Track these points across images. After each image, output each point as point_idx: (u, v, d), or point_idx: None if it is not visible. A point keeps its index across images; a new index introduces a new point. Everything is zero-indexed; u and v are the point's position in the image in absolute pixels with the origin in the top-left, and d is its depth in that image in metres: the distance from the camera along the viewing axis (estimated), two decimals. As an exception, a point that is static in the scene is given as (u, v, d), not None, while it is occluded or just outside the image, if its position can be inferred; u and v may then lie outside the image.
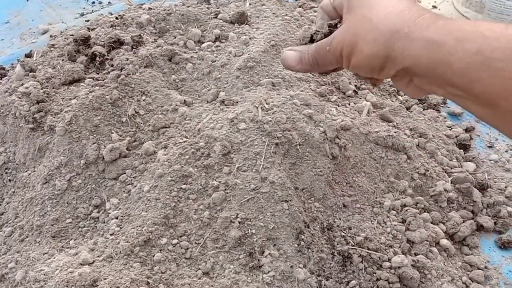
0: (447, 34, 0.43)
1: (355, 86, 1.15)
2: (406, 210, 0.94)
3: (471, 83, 0.42)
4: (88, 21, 1.59)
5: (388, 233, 0.92)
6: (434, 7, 1.71)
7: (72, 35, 1.13)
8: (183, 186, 0.85)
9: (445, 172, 1.05)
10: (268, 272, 0.79)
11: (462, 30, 0.43)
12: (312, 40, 0.58)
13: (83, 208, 0.89)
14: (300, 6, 1.47)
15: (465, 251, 0.96)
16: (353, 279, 0.83)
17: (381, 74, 0.50)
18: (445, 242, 0.93)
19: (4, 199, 0.98)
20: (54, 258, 0.82)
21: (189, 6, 1.33)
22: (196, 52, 1.10)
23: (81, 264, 0.78)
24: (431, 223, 0.95)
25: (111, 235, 0.83)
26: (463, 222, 0.98)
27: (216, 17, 1.20)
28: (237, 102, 0.98)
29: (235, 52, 1.08)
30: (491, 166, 1.12)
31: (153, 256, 0.79)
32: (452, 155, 1.11)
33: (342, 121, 0.95)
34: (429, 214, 0.96)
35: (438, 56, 0.44)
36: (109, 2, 1.76)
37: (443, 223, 0.97)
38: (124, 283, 0.73)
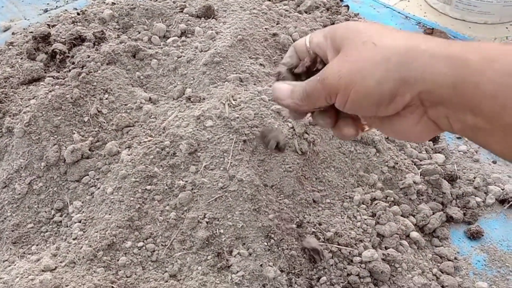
0: (472, 52, 0.37)
1: (325, 80, 1.14)
2: (376, 204, 0.94)
3: (501, 109, 0.35)
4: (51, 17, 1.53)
5: (358, 227, 0.91)
6: (404, -1, 1.72)
7: (31, 32, 1.08)
8: (148, 187, 0.83)
9: (415, 164, 1.05)
10: (237, 272, 0.77)
11: (489, 48, 0.37)
12: (293, 74, 0.52)
13: (45, 212, 0.86)
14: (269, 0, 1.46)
15: (435, 242, 0.96)
16: (323, 275, 0.83)
17: (389, 107, 0.41)
18: (415, 234, 0.93)
19: (-38, 204, 0.94)
20: (15, 265, 0.79)
21: (155, 0, 1.30)
22: (161, 48, 1.07)
23: (42, 271, 0.75)
24: (401, 216, 0.95)
25: (74, 239, 0.80)
26: (433, 214, 0.98)
27: (181, 12, 1.17)
28: (203, 99, 0.96)
29: (201, 47, 1.05)
30: (460, 157, 1.13)
31: (118, 260, 0.76)
32: (422, 147, 1.11)
33: (310, 116, 0.94)
34: (399, 207, 0.96)
35: (465, 76, 0.36)
36: (73, -3, 1.70)
37: (413, 216, 0.97)
38: (87, 290, 0.70)
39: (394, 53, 0.39)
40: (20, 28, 1.55)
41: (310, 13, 1.47)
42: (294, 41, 1.16)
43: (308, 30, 1.24)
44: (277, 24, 1.20)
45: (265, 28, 1.14)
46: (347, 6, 1.61)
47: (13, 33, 1.51)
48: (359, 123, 0.48)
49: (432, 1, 1.64)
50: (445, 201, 1.01)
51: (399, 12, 1.60)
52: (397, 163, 1.01)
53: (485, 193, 1.05)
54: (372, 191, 0.97)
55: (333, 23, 1.48)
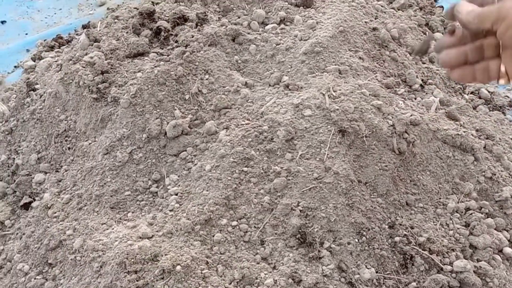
0: None
1: (422, 80, 1.10)
2: (471, 214, 0.90)
3: None
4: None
5: (451, 236, 0.88)
6: None
7: (136, 8, 1.12)
8: (245, 169, 0.84)
9: (512, 177, 0.99)
10: (328, 264, 0.77)
11: None
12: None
13: (143, 182, 0.89)
14: (364, -6, 1.43)
15: (528, 261, 0.91)
16: (413, 281, 0.80)
17: None
18: (509, 250, 0.88)
19: (62, 166, 0.99)
20: (113, 229, 0.82)
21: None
22: (260, 34, 1.08)
23: (140, 238, 0.78)
24: (495, 229, 0.90)
25: (170, 211, 0.82)
26: (529, 231, 0.93)
27: (281, -1, 1.16)
28: (301, 88, 0.95)
29: (301, 35, 1.04)
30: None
31: (213, 236, 0.78)
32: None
33: (411, 115, 0.91)
34: (494, 220, 0.91)
35: None
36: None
37: (507, 231, 0.92)
38: (185, 261, 0.72)
39: None
40: (115, 4, 1.61)
41: (403, 11, 1.42)
42: (392, 38, 1.13)
43: (406, 28, 1.20)
44: (375, 18, 1.17)
45: (365, 22, 1.11)
46: (442, 7, 1.54)
47: (108, 8, 1.58)
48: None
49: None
50: None
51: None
52: (494, 174, 0.96)
53: None
54: (467, 200, 0.93)
55: (427, 23, 1.43)
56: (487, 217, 0.92)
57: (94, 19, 1.50)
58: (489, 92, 1.25)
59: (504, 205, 0.94)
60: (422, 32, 1.37)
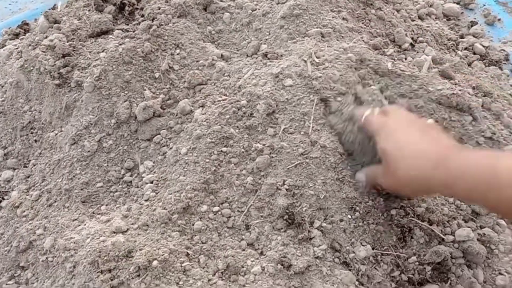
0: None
1: (412, 38, 1.02)
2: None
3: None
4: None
5: (451, 203, 0.82)
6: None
7: (98, -17, 1.03)
8: (224, 149, 0.76)
9: (516, 137, 0.93)
10: (320, 245, 0.70)
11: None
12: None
13: (115, 171, 0.82)
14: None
15: (535, 224, 0.85)
16: (412, 255, 0.74)
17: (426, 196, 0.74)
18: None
19: (30, 160, 0.92)
20: (85, 225, 0.76)
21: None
22: (234, 1, 0.99)
23: (114, 232, 0.72)
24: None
25: (146, 201, 0.75)
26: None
27: (255, -39, 1.07)
28: (281, 56, 0.87)
29: (278, -1, 0.96)
30: None
31: (193, 224, 0.71)
32: (521, 118, 0.98)
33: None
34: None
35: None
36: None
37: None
38: (162, 254, 0.65)
39: (416, 179, 0.63)
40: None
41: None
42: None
43: (392, -16, 1.11)
44: (359, -25, 1.07)
45: (347, -21, 1.02)
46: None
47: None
48: None
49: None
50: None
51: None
52: (494, 134, 0.89)
53: None
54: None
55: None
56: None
57: (61, 1, 1.40)
58: (483, 46, 1.17)
59: (508, 167, 0.88)
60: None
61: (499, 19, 1.30)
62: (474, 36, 1.21)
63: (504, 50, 1.20)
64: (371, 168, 0.71)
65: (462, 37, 1.20)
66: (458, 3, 1.33)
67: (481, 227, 0.81)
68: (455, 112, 0.88)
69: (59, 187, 0.82)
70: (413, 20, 1.10)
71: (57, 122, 0.90)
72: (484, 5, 1.34)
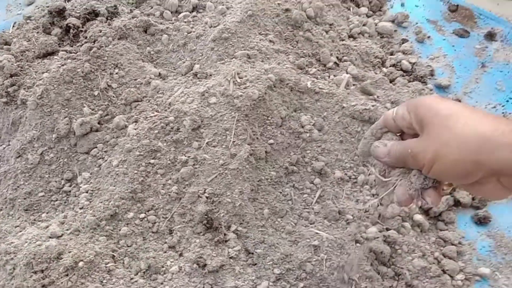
0: None
1: (337, 57, 1.12)
2: (380, 185, 0.93)
3: None
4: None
5: (360, 208, 0.91)
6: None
7: (48, 6, 1.11)
8: (152, 161, 0.85)
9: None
10: (234, 247, 0.79)
11: None
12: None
13: (55, 181, 0.90)
14: (287, -27, 1.43)
15: (440, 226, 0.95)
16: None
17: (468, 178, 0.51)
18: (418, 217, 0.92)
19: (-19, 172, 0.99)
20: (25, 231, 0.84)
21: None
22: (173, 23, 1.08)
23: (49, 237, 0.80)
24: (406, 198, 0.94)
25: (80, 209, 0.84)
26: (440, 197, 0.97)
27: (195, -14, 1.16)
28: (210, 75, 0.96)
29: (211, 22, 1.05)
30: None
31: (119, 230, 0.80)
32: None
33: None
34: (404, 189, 0.95)
35: None
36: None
37: (419, 198, 0.96)
38: (88, 256, 0.74)
39: (467, 140, 0.49)
40: (44, 2, 1.58)
41: (329, -12, 1.43)
42: (308, 17, 1.14)
43: (323, 6, 1.21)
44: (290, -1, 1.17)
45: (278, 3, 1.12)
46: (369, -20, 1.55)
47: (36, 7, 1.55)
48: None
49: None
50: (454, 185, 0.99)
51: (424, -13, 1.54)
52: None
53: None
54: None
55: (353, -1, 1.45)
56: (399, 187, 0.95)
57: (22, 20, 1.47)
58: (410, 63, 1.28)
59: (414, 174, 0.98)
60: (346, 8, 1.38)
61: (428, 37, 1.40)
62: (403, 53, 1.32)
63: (430, 66, 1.30)
64: (406, 141, 0.57)
65: (392, 54, 1.31)
66: (392, 22, 1.44)
67: (387, 229, 0.90)
68: (367, 126, 0.98)
69: (4, 196, 0.90)
70: (342, 40, 1.20)
71: (6, 137, 0.97)
72: (417, 23, 1.44)
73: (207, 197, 0.82)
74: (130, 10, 1.10)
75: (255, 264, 0.79)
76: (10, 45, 1.05)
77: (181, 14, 1.10)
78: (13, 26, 1.12)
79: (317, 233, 0.84)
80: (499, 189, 0.52)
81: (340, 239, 0.84)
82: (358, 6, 1.42)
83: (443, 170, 0.52)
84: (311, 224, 0.86)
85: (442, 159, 0.51)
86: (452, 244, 0.92)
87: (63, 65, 0.95)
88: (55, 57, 1.00)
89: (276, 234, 0.84)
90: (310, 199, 0.89)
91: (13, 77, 0.98)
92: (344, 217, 0.88)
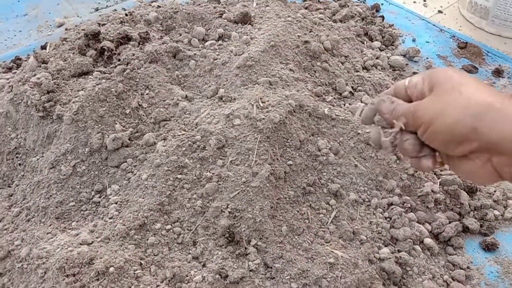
0: None
1: (352, 87, 1.19)
2: (392, 209, 0.98)
3: None
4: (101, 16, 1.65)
5: (373, 231, 0.95)
6: (440, 11, 1.74)
7: (83, 29, 1.19)
8: (179, 176, 0.91)
9: (435, 174, 1.08)
10: (254, 260, 0.84)
11: None
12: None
13: (86, 192, 0.95)
14: (306, 8, 1.52)
15: (449, 251, 0.99)
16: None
17: (457, 148, 0.49)
18: (429, 241, 0.97)
19: (14, 181, 1.05)
20: (56, 237, 0.88)
21: (198, 4, 1.38)
22: (200, 50, 1.15)
23: (80, 244, 0.84)
24: (417, 222, 0.99)
25: (110, 218, 0.89)
26: (449, 223, 1.01)
27: (220, 17, 1.25)
28: (234, 99, 1.03)
29: (236, 51, 1.12)
30: (481, 170, 1.15)
31: (147, 239, 0.85)
32: (443, 158, 1.14)
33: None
34: (415, 213, 0.99)
35: None
36: (122, -2, 1.82)
37: (429, 223, 1.00)
38: (118, 263, 0.78)
39: (473, 104, 0.47)
40: (73, 25, 1.68)
41: (344, 22, 1.52)
42: (325, 49, 1.22)
43: (339, 39, 1.29)
44: (310, 32, 1.25)
45: (298, 36, 1.20)
46: (382, 16, 1.64)
47: (66, 29, 1.64)
48: (435, 159, 0.55)
49: (468, 15, 1.65)
50: (463, 212, 1.04)
51: (433, 25, 1.62)
52: (416, 171, 1.04)
53: (504, 206, 1.07)
54: (390, 197, 1.01)
55: (367, 33, 1.53)
56: (410, 211, 1.00)
57: (53, 40, 1.56)
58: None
59: (426, 199, 1.03)
60: (360, 41, 1.46)
61: (438, 71, 1.47)
62: (414, 86, 1.38)
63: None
64: (410, 103, 0.55)
65: (403, 86, 1.37)
66: (404, 56, 1.51)
67: (399, 251, 0.94)
68: (381, 152, 1.03)
69: (37, 205, 0.95)
70: (356, 71, 1.27)
71: (40, 149, 1.03)
72: (428, 58, 1.52)
73: (229, 212, 0.87)
74: (161, 36, 1.18)
75: (273, 278, 0.83)
76: (47, 63, 1.12)
77: (208, 42, 1.18)
78: (50, 47, 1.20)
79: (332, 251, 0.88)
80: (486, 170, 0.49)
81: (354, 258, 0.88)
82: (371, 40, 1.50)
83: (438, 131, 0.49)
84: (326, 242, 0.91)
85: (441, 119, 0.49)
86: (461, 268, 0.96)
87: (98, 84, 1.02)
88: (90, 76, 1.07)
89: (294, 250, 0.88)
90: (326, 219, 0.94)
91: (49, 94, 1.04)
92: (358, 238, 0.92)
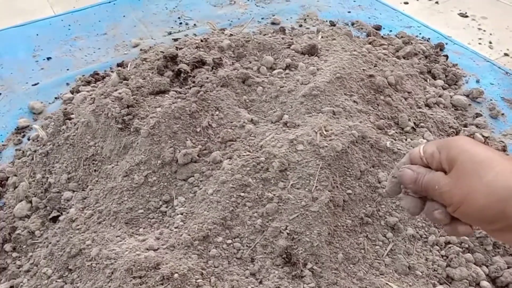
0: None
1: (414, 123, 1.20)
2: (450, 248, 0.97)
3: None
4: (176, 40, 1.77)
5: (429, 268, 0.95)
6: (506, 54, 1.72)
7: (162, 52, 1.29)
8: (242, 194, 0.95)
9: (495, 217, 1.06)
10: (309, 283, 0.86)
11: None
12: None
13: (154, 202, 1.02)
14: (369, 43, 1.56)
15: (506, 296, 0.97)
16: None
17: (492, 225, 0.52)
18: (485, 284, 0.95)
19: (88, 186, 1.14)
20: (125, 241, 0.95)
21: (265, 35, 1.46)
22: (267, 77, 1.22)
23: (147, 249, 0.90)
24: (474, 264, 0.97)
25: (175, 228, 0.94)
26: (508, 268, 0.99)
27: (289, 47, 1.31)
28: (298, 126, 1.08)
29: (302, 80, 1.18)
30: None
31: (209, 251, 0.89)
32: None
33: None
34: (473, 255, 0.98)
35: None
36: (194, 24, 1.95)
37: (486, 266, 0.99)
38: (182, 270, 0.83)
39: (496, 190, 0.50)
40: (147, 46, 1.81)
41: (408, 59, 1.54)
42: (389, 84, 1.25)
43: (403, 75, 1.32)
44: (374, 66, 1.29)
45: (363, 69, 1.23)
46: (446, 56, 1.65)
47: (141, 50, 1.77)
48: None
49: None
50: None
51: (499, 67, 1.61)
52: (476, 212, 1.03)
53: None
54: (448, 235, 1.00)
55: (430, 71, 1.54)
56: (467, 252, 0.99)
57: (128, 59, 1.69)
58: (483, 136, 1.33)
59: (484, 242, 1.01)
60: (423, 79, 1.48)
61: (502, 114, 1.45)
62: (476, 126, 1.38)
63: (502, 142, 1.35)
64: (436, 174, 0.58)
65: (465, 126, 1.37)
66: (467, 96, 1.51)
67: (455, 291, 0.93)
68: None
69: (109, 209, 1.03)
70: (419, 108, 1.28)
71: (115, 157, 1.12)
72: (491, 99, 1.51)
73: (288, 234, 0.91)
74: (232, 62, 1.26)
75: (328, 302, 0.85)
76: (128, 80, 1.22)
77: (275, 71, 1.24)
78: (131, 65, 1.30)
79: (387, 283, 0.89)
80: None
81: (409, 292, 0.88)
82: (434, 78, 1.51)
83: (469, 213, 0.52)
84: (381, 274, 0.92)
85: (470, 203, 0.51)
86: (518, 316, 0.93)
87: (174, 103, 1.10)
88: (166, 95, 1.16)
89: (348, 278, 0.90)
90: (382, 251, 0.95)
91: (129, 108, 1.14)
92: (414, 273, 0.92)
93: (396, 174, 0.61)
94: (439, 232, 0.99)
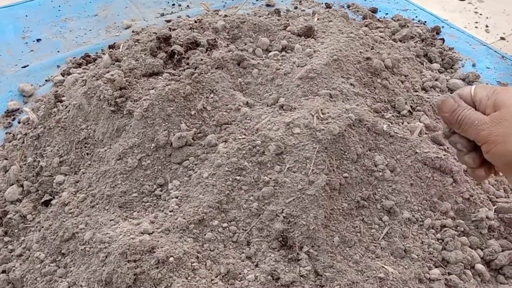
0: None
1: (411, 106, 1.19)
2: (445, 231, 0.97)
3: None
4: (168, 21, 1.74)
5: (425, 251, 0.95)
6: (502, 38, 1.71)
7: (155, 33, 1.26)
8: (238, 177, 0.94)
9: (490, 200, 1.07)
10: (305, 266, 0.86)
11: None
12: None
13: (149, 185, 1.01)
14: (366, 25, 1.54)
15: (500, 279, 0.97)
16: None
17: None
18: (480, 267, 0.95)
19: (80, 169, 1.12)
20: (119, 225, 0.94)
21: (260, 16, 1.43)
22: (263, 60, 1.20)
23: (142, 233, 0.89)
24: (469, 247, 0.97)
25: (170, 211, 0.93)
26: (502, 251, 0.99)
27: (285, 29, 1.29)
28: (294, 109, 1.06)
29: (299, 62, 1.16)
30: (540, 201, 1.12)
31: (205, 234, 0.88)
32: (500, 186, 1.12)
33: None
34: (468, 238, 0.98)
35: None
36: (187, 6, 1.91)
37: (481, 249, 0.99)
38: (178, 254, 0.82)
39: None
40: (139, 28, 1.77)
41: (404, 42, 1.53)
42: (386, 67, 1.23)
43: (400, 58, 1.30)
44: (371, 49, 1.27)
45: (360, 52, 1.22)
46: (443, 39, 1.64)
47: (133, 31, 1.74)
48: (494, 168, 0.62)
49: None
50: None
51: (495, 51, 1.60)
52: (472, 196, 1.03)
53: (562, 240, 1.04)
54: (443, 219, 1.00)
55: (426, 55, 1.53)
56: (463, 235, 0.99)
57: (120, 40, 1.65)
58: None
59: (480, 225, 1.01)
60: (420, 62, 1.47)
61: (498, 98, 1.45)
62: (472, 110, 1.37)
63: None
64: (477, 112, 0.60)
65: (461, 110, 1.36)
66: (463, 80, 1.50)
67: (449, 274, 0.94)
68: (438, 173, 1.03)
69: (102, 192, 1.01)
70: (415, 91, 1.27)
71: (108, 140, 1.10)
72: (487, 83, 1.50)
73: (284, 217, 0.90)
74: (227, 44, 1.23)
75: (323, 286, 0.85)
76: (120, 62, 1.19)
77: (271, 53, 1.22)
78: (123, 46, 1.27)
79: (383, 266, 0.89)
80: None
81: (404, 275, 0.88)
82: (431, 61, 1.50)
83: (501, 154, 0.54)
84: (377, 257, 0.91)
85: (505, 144, 0.53)
86: (512, 299, 0.94)
87: (167, 85, 1.08)
88: (160, 77, 1.13)
89: (344, 261, 0.89)
90: (378, 234, 0.95)
91: (121, 90, 1.11)
92: (409, 256, 0.92)
93: (438, 101, 0.62)
94: (434, 215, 0.99)
